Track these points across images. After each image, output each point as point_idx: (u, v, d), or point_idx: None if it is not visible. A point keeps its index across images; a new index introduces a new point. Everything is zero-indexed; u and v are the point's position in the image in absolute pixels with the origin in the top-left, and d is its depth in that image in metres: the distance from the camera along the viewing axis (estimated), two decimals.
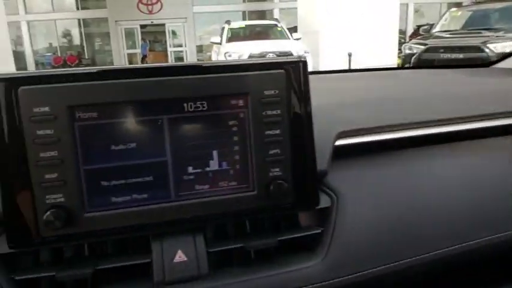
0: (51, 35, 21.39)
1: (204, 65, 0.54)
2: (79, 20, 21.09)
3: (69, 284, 0.53)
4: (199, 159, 0.54)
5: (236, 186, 0.55)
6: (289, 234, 0.58)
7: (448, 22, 7.73)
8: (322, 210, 0.61)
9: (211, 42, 10.28)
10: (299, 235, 0.59)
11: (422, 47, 6.94)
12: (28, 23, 20.57)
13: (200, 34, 20.85)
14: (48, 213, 0.48)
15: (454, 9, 8.04)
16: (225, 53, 8.48)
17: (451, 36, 7.02)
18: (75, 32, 21.67)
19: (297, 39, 9.49)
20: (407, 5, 19.13)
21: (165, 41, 21.18)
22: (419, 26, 11.38)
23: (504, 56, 1.32)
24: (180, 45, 20.90)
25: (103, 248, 0.57)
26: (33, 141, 0.48)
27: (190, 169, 0.54)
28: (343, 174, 0.65)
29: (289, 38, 9.42)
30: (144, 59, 18.76)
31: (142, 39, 20.10)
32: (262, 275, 0.56)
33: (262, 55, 7.79)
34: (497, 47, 6.09)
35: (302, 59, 0.56)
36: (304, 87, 0.56)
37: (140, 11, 19.91)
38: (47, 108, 0.48)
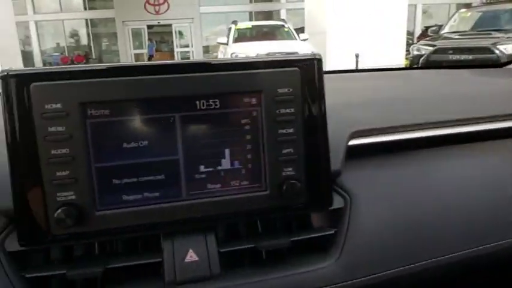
0: (59, 35, 21.57)
1: (216, 63, 0.53)
2: (86, 20, 21.26)
3: (79, 282, 0.53)
4: (211, 157, 0.53)
5: (248, 185, 0.54)
6: (302, 235, 0.58)
7: (457, 23, 7.66)
8: (335, 210, 0.60)
9: (217, 42, 10.27)
10: (313, 236, 0.58)
11: (431, 48, 6.89)
12: (36, 23, 20.76)
13: (207, 35, 20.92)
14: (59, 211, 0.48)
15: (463, 10, 7.97)
16: (232, 54, 8.47)
17: (461, 37, 6.96)
18: (83, 32, 21.84)
19: (304, 40, 9.45)
20: (415, 6, 19.04)
21: (172, 42, 21.28)
22: (427, 27, 11.31)
23: None
24: (187, 46, 20.98)
25: (113, 247, 0.56)
26: (44, 138, 0.47)
27: (202, 168, 0.53)
28: (357, 175, 0.64)
29: (296, 39, 9.38)
30: (150, 59, 18.82)
31: (149, 39, 20.21)
32: (275, 275, 0.55)
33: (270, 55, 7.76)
34: (507, 48, 6.03)
35: (317, 56, 0.55)
36: (318, 85, 0.55)
37: (147, 11, 20.01)
38: (59, 105, 0.47)
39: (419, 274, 0.60)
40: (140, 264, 0.52)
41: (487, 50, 6.16)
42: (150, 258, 0.53)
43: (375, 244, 0.59)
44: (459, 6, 14.75)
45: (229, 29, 9.98)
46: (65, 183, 0.48)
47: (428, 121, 0.70)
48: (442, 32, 7.68)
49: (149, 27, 20.64)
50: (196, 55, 20.23)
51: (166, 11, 20.00)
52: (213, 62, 0.53)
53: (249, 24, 11.03)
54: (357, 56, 9.30)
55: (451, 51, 6.59)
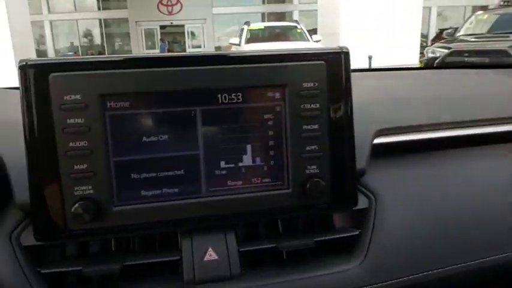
0: (73, 35, 21.88)
1: (239, 55, 0.51)
2: (100, 20, 21.53)
3: (95, 279, 0.51)
4: (232, 153, 0.51)
5: (270, 183, 0.52)
6: (326, 236, 0.55)
7: (473, 25, 7.54)
8: (358, 211, 0.58)
9: (230, 43, 10.27)
10: (337, 236, 0.55)
11: (446, 51, 6.78)
12: (51, 22, 21.09)
13: (219, 35, 21.01)
14: (77, 205, 0.46)
15: (480, 12, 7.84)
16: None
17: (477, 40, 6.83)
18: (96, 32, 22.12)
19: (317, 41, 9.39)
20: (430, 8, 18.83)
21: (184, 42, 21.42)
22: (442, 30, 11.18)
23: None
24: (199, 46, 21.09)
25: (129, 244, 0.55)
26: (63, 130, 0.46)
27: (222, 164, 0.51)
28: (381, 174, 0.62)
29: (308, 40, 9.33)
30: None
31: (161, 39, 20.34)
32: (297, 277, 0.53)
33: None
34: None
35: (344, 50, 0.53)
36: (345, 80, 0.53)
37: (160, 11, 20.18)
38: (78, 96, 0.46)
39: (449, 279, 0.57)
40: (157, 262, 0.50)
41: (504, 52, 6.04)
42: (168, 256, 0.51)
43: (401, 247, 0.56)
44: (475, 8, 14.55)
45: (242, 29, 9.97)
46: (82, 177, 0.47)
47: (455, 120, 0.67)
48: (458, 34, 7.55)
49: (162, 27, 20.82)
50: None
51: (179, 11, 20.15)
52: (236, 55, 0.51)
53: (261, 25, 11.00)
54: (370, 58, 9.23)
55: (466, 54, 6.48)
